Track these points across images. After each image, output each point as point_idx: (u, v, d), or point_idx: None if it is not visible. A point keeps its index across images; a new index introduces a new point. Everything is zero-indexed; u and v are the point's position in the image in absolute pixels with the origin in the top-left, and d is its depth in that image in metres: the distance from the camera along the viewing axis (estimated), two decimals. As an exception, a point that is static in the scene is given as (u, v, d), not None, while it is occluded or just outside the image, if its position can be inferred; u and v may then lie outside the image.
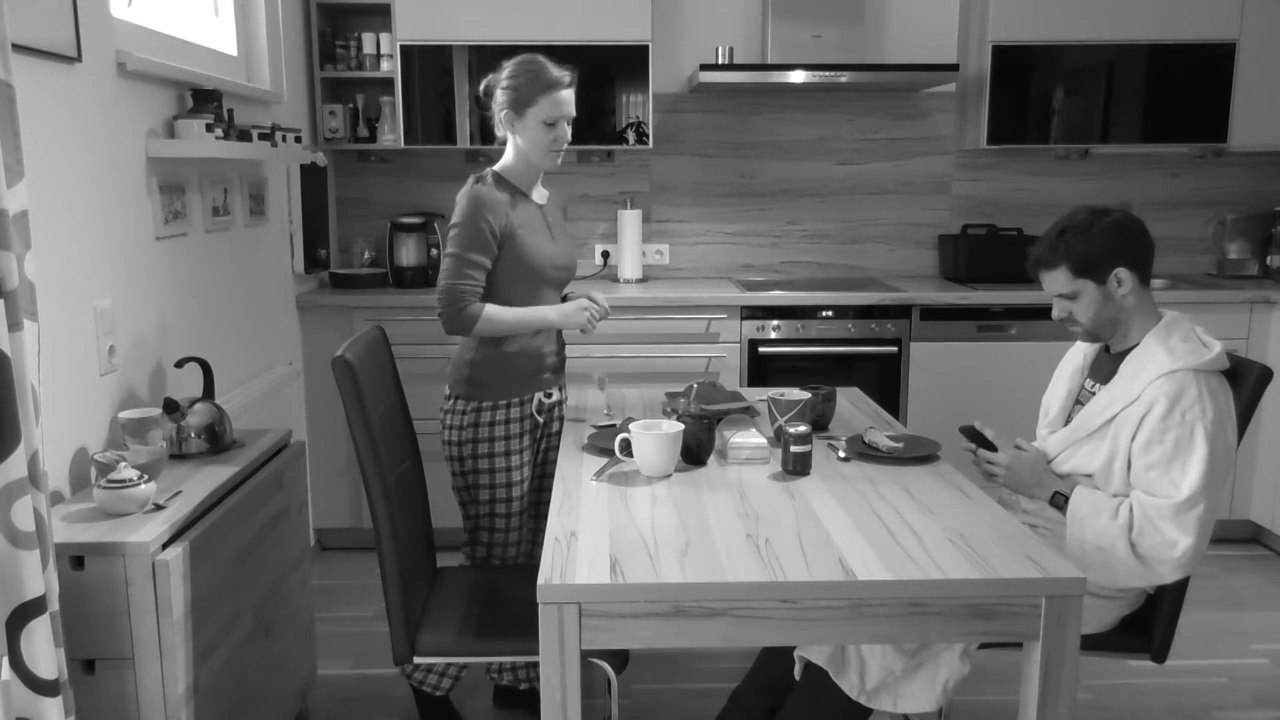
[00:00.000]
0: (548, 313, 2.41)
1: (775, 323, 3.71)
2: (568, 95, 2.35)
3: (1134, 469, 1.99)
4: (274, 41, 3.33)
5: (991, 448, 2.17)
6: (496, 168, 2.44)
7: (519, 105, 2.34)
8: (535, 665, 2.63)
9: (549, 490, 2.54)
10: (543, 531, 2.50)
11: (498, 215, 2.34)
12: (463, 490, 2.46)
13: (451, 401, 2.45)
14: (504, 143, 2.45)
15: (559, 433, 2.57)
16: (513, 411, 2.44)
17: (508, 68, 2.37)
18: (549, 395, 2.53)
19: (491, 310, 2.35)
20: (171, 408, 2.23)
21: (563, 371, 2.60)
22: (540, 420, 2.52)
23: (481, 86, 2.44)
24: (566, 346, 2.65)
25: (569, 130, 2.38)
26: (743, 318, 3.70)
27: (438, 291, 2.35)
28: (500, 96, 2.37)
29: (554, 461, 2.58)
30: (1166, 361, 1.98)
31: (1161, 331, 2.05)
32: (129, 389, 2.32)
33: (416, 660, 2.04)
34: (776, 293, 3.75)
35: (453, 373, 2.46)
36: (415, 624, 2.08)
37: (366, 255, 4.09)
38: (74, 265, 2.10)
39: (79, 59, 2.11)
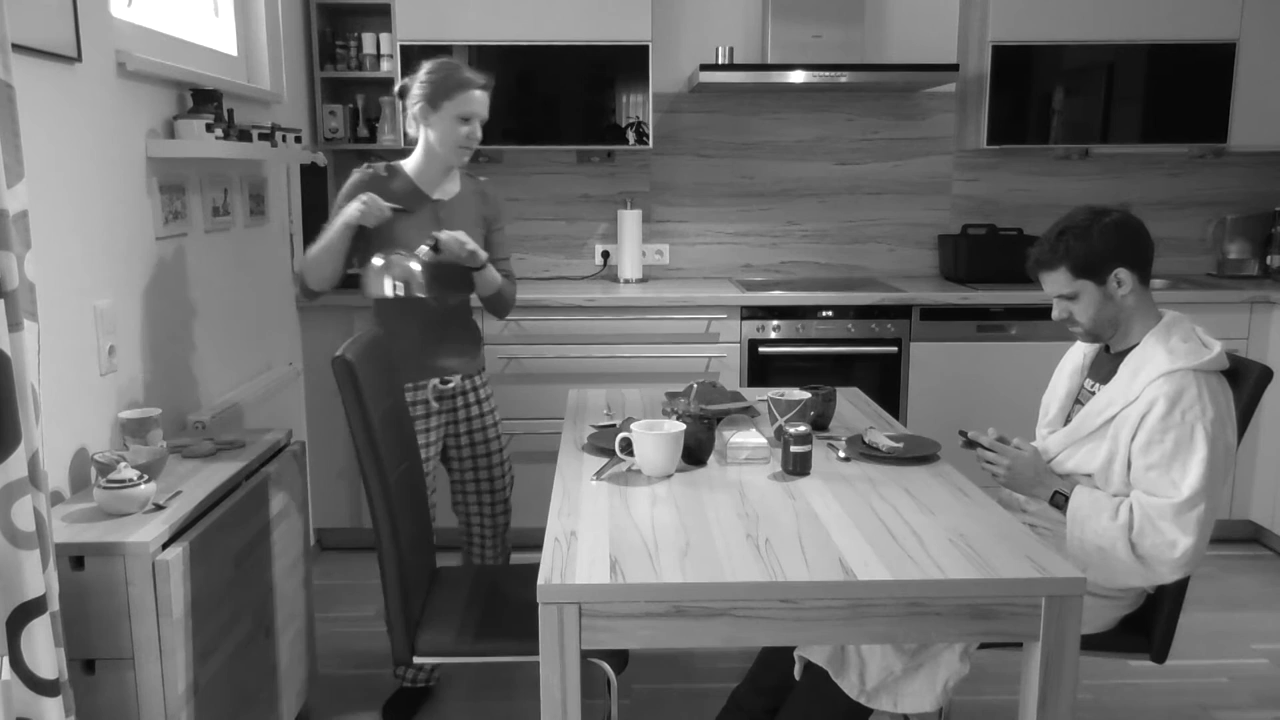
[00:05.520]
0: (334, 222, 2.44)
1: (775, 323, 3.71)
2: (482, 96, 2.47)
3: (1134, 469, 1.99)
4: (274, 41, 3.33)
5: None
6: (399, 161, 2.57)
7: (435, 99, 2.44)
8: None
9: (484, 478, 2.73)
10: (474, 516, 2.77)
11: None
12: None
13: None
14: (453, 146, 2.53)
15: (481, 417, 2.69)
16: (405, 396, 2.52)
17: (426, 66, 2.49)
18: (445, 382, 2.61)
19: (306, 254, 2.48)
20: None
21: (472, 358, 2.67)
22: (437, 406, 2.60)
23: (397, 87, 2.57)
24: (483, 337, 2.71)
25: (479, 131, 2.50)
26: (743, 318, 3.70)
27: None
28: (417, 91, 2.47)
29: (481, 445, 2.70)
30: (1166, 361, 1.98)
31: (1161, 331, 2.05)
32: (129, 389, 2.32)
33: (416, 660, 2.04)
34: (776, 293, 3.75)
35: None
36: (415, 624, 2.08)
37: (366, 255, 4.09)
38: (74, 265, 2.10)
39: (79, 59, 2.11)
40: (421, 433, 2.59)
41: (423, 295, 2.42)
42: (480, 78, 2.48)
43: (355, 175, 2.55)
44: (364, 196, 2.38)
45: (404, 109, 2.54)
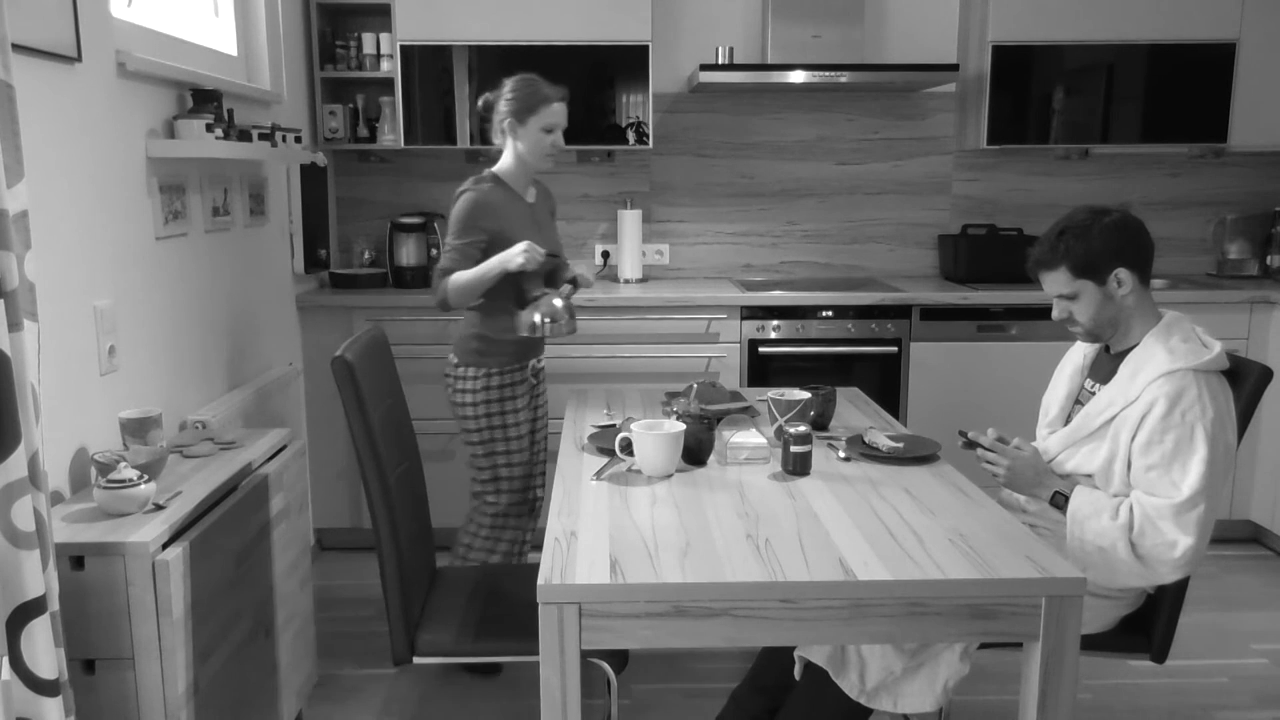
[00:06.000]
0: (493, 260, 2.62)
1: (775, 323, 3.71)
2: (562, 108, 2.73)
3: (1134, 469, 1.99)
4: (274, 41, 3.33)
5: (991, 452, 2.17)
6: (495, 170, 2.77)
7: (522, 114, 2.69)
8: None
9: (539, 449, 2.99)
10: (535, 476, 2.99)
11: (492, 216, 2.68)
12: (477, 445, 2.80)
13: (462, 369, 2.77)
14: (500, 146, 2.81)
15: (544, 393, 3.02)
16: (514, 376, 2.80)
17: (509, 84, 2.72)
18: (539, 361, 2.94)
19: (454, 276, 2.63)
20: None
21: (543, 340, 2.97)
22: (534, 382, 2.91)
23: (480, 101, 2.80)
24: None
25: (562, 138, 2.75)
26: (743, 318, 3.70)
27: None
28: (504, 107, 2.71)
29: (541, 410, 3.01)
30: (1166, 361, 1.98)
31: (1161, 331, 2.05)
32: (129, 389, 2.32)
33: (416, 662, 2.04)
34: (776, 293, 3.75)
35: (460, 344, 2.80)
36: (415, 624, 2.08)
37: (366, 255, 4.09)
38: (74, 265, 2.10)
39: (79, 59, 2.11)
40: (522, 410, 2.82)
41: (568, 330, 2.72)
42: (558, 90, 2.72)
43: (473, 194, 2.69)
44: (524, 246, 2.58)
45: (491, 121, 2.77)
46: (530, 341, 2.83)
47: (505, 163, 2.77)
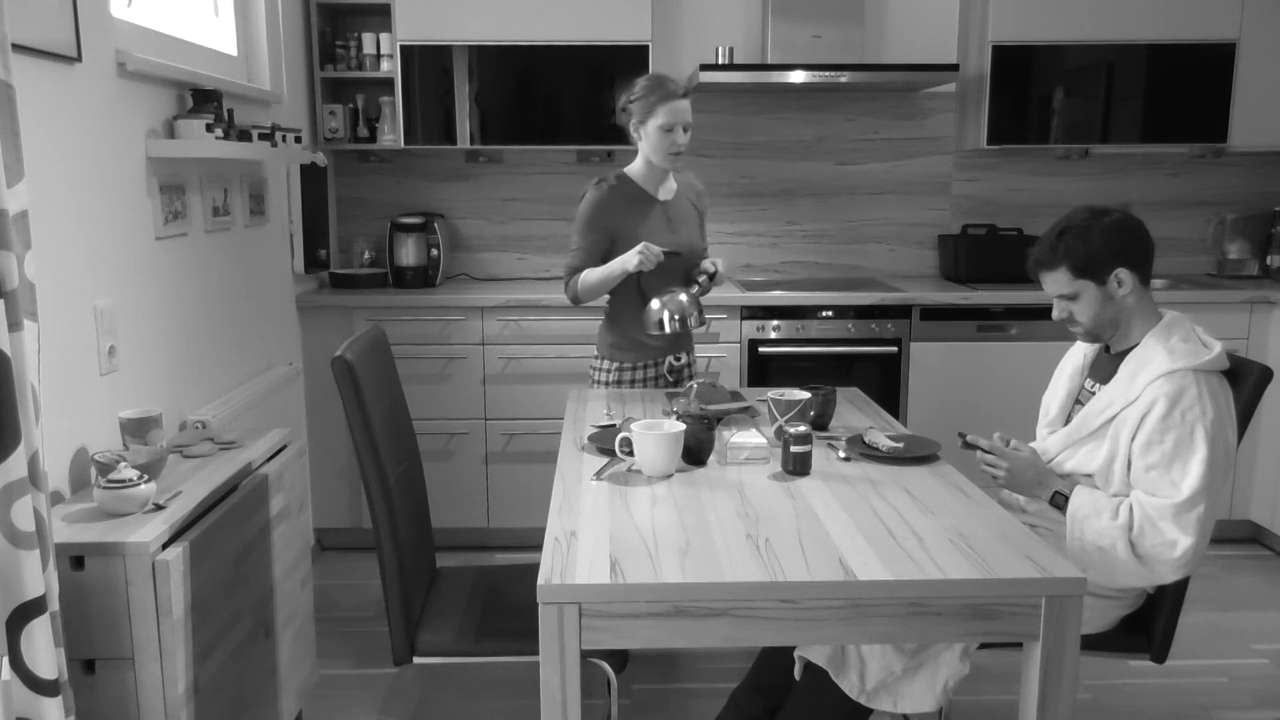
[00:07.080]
0: (614, 262, 2.69)
1: (775, 323, 3.71)
2: (681, 104, 2.67)
3: (1134, 469, 1.99)
4: (274, 41, 3.33)
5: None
6: (626, 169, 2.83)
7: (643, 117, 2.70)
8: None
9: None
10: None
11: (610, 216, 2.74)
12: None
13: (601, 361, 2.88)
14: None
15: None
16: (648, 371, 2.86)
17: (636, 85, 2.72)
18: (678, 359, 2.90)
19: (584, 274, 2.74)
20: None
21: (690, 337, 2.96)
22: (671, 379, 2.89)
23: (620, 103, 2.78)
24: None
25: (685, 135, 2.70)
26: (743, 318, 3.70)
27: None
28: (629, 111, 2.73)
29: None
30: (1166, 361, 1.98)
31: (1161, 331, 2.05)
32: (129, 389, 2.32)
33: (416, 662, 2.04)
34: (776, 293, 3.75)
35: (601, 337, 2.90)
36: (415, 624, 2.08)
37: (366, 255, 4.09)
38: (74, 265, 2.10)
39: (79, 59, 2.11)
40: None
41: (698, 325, 2.73)
42: (680, 87, 2.69)
43: (593, 194, 2.76)
44: (640, 247, 2.62)
45: (626, 121, 2.76)
46: (670, 338, 2.81)
47: (636, 161, 2.81)
